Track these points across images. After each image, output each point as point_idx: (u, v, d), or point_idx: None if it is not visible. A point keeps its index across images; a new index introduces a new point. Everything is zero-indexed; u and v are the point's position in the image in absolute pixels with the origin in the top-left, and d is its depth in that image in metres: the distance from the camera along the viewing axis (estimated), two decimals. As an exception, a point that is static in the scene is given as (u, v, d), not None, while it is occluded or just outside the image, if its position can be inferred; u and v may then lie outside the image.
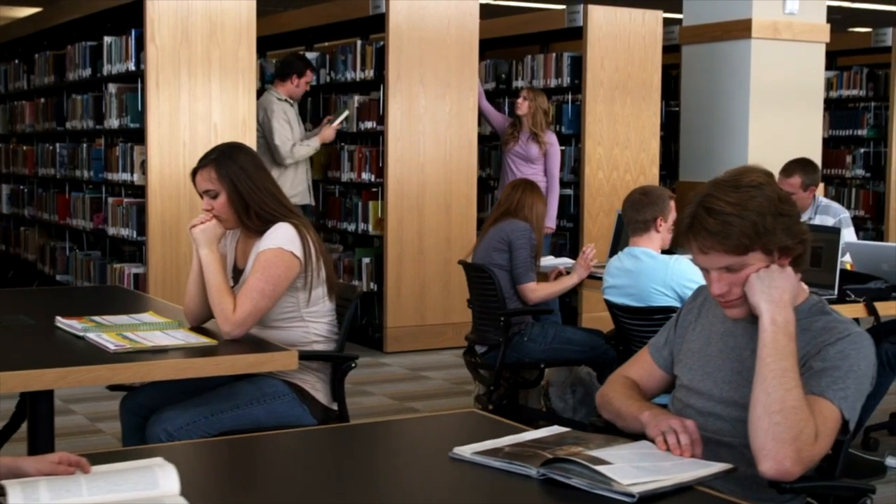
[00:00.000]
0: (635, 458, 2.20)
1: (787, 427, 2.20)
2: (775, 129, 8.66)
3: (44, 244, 8.93)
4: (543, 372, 5.33)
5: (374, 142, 7.89)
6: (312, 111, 8.48)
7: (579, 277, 5.25)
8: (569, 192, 8.37)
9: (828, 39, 8.81)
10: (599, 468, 2.09)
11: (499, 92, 9.17)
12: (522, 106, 7.74)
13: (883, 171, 9.87)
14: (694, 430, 2.33)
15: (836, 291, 4.57)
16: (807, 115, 8.84)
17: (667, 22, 8.89)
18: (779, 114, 8.67)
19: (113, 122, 7.28)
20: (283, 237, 3.58)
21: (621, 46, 8.19)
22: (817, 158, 8.91)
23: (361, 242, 8.10)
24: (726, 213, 2.32)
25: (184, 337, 3.49)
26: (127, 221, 7.09)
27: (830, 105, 10.61)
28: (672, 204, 4.63)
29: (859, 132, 10.27)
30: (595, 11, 8.09)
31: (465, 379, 6.34)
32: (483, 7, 8.31)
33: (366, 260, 7.83)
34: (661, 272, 4.41)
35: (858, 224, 10.19)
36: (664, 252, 4.59)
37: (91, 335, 3.45)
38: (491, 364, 5.20)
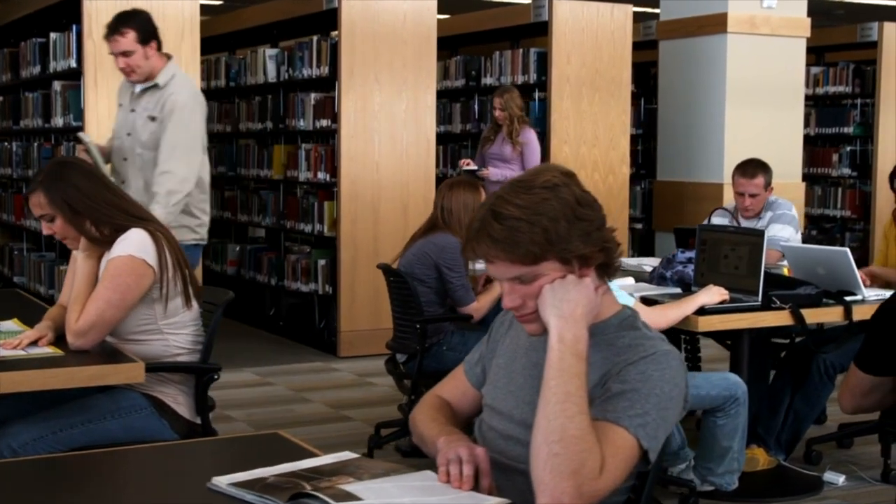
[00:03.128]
0: (398, 493, 1.96)
1: (566, 459, 1.94)
2: (754, 126, 8.38)
3: (3, 245, 8.78)
4: (466, 381, 5.08)
5: (332, 140, 7.67)
6: (273, 110, 8.25)
7: None
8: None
9: (808, 34, 8.53)
10: (342, 505, 1.86)
11: (469, 89, 8.93)
12: (500, 116, 7.54)
13: (870, 170, 9.52)
14: (483, 460, 2.08)
15: (759, 298, 4.29)
16: (787, 112, 8.55)
17: (646, 17, 8.63)
18: (757, 111, 8.39)
19: (59, 121, 7.11)
20: (134, 244, 3.37)
21: (588, 41, 7.93)
22: (798, 156, 8.63)
23: (320, 244, 7.88)
24: (514, 217, 2.06)
25: (30, 348, 3.29)
26: (69, 222, 6.89)
27: (817, 102, 10.28)
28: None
29: (846, 130, 9.92)
30: (561, 6, 7.83)
31: (407, 386, 6.10)
32: (449, 1, 8.08)
33: (321, 262, 7.60)
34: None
35: (845, 225, 9.88)
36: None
37: (-69, 345, 3.26)
38: (410, 373, 4.96)
